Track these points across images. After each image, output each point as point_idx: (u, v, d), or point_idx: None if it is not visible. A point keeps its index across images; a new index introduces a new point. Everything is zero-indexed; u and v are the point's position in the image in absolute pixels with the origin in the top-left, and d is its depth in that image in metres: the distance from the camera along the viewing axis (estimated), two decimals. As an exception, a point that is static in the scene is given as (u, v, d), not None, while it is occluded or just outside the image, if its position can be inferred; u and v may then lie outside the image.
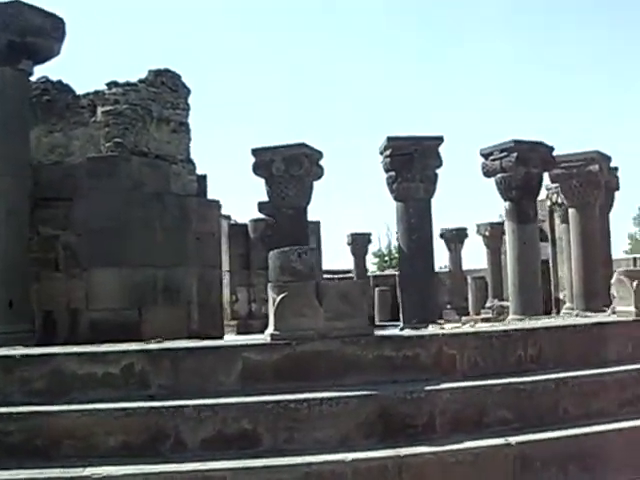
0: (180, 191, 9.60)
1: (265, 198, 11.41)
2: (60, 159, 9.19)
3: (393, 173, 10.44)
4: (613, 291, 6.11)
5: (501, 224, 17.37)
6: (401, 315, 10.52)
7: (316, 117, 71.02)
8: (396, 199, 10.54)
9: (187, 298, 9.42)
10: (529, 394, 5.14)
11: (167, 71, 9.70)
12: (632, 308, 5.90)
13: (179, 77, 9.82)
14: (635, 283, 5.92)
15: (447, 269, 22.56)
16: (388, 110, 67.07)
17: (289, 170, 10.29)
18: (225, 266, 15.92)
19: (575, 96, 71.61)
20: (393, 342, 5.21)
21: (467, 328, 5.82)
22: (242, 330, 15.14)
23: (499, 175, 10.28)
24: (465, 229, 21.58)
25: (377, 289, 19.90)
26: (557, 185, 11.88)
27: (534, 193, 10.43)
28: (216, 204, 10.18)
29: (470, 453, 4.70)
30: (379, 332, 5.61)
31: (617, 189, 13.39)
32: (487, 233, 18.47)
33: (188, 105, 9.92)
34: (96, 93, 9.35)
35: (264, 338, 5.19)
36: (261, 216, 16.05)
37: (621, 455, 5.02)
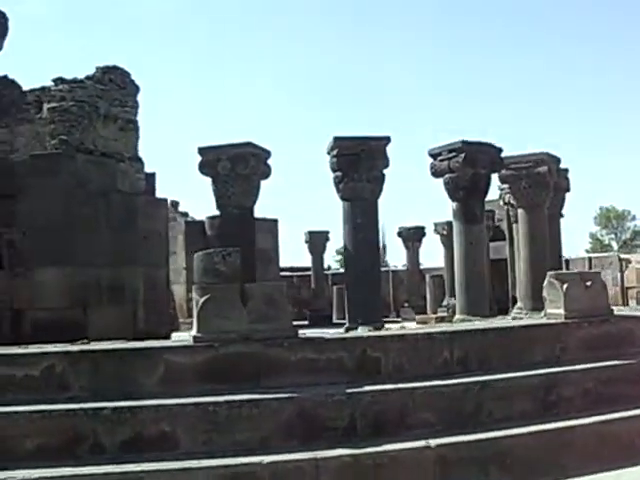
0: (127, 189, 9.51)
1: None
2: (4, 156, 9.06)
3: (340, 173, 10.45)
4: (544, 294, 6.16)
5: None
6: (346, 314, 10.55)
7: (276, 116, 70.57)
8: (342, 199, 10.56)
9: (133, 297, 9.34)
10: (452, 397, 5.18)
11: (115, 68, 9.60)
12: (561, 311, 5.96)
13: (128, 74, 9.73)
14: (565, 286, 5.99)
15: (405, 267, 22.75)
16: (349, 108, 67.05)
17: (235, 169, 10.26)
18: (182, 263, 15.92)
19: (529, 96, 72.31)
20: (316, 344, 5.22)
21: (392, 331, 5.84)
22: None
23: (447, 175, 10.32)
24: (423, 228, 21.81)
25: (335, 287, 19.93)
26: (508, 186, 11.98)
27: (481, 194, 10.49)
28: (164, 202, 10.12)
29: (388, 456, 4.72)
30: (308, 333, 5.63)
31: (568, 190, 13.54)
32: (444, 232, 18.59)
33: (137, 103, 9.82)
34: (42, 89, 9.22)
35: (187, 340, 5.16)
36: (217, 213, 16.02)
37: (541, 456, 5.08)
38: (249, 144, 10.32)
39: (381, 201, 10.43)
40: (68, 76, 9.37)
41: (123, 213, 9.31)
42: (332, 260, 36.15)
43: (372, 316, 9.37)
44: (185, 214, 16.91)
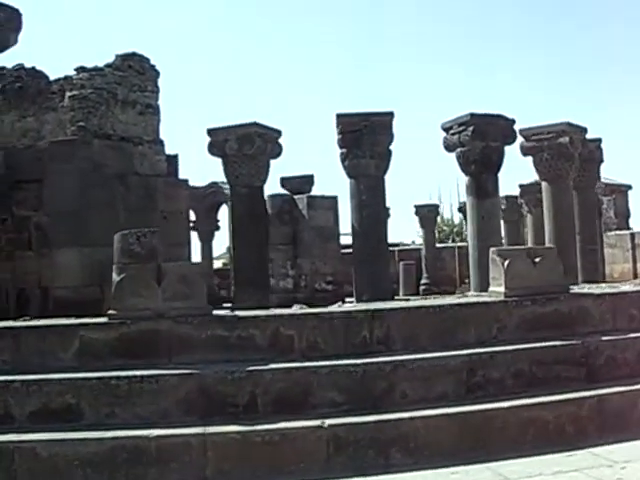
0: (147, 171, 9.91)
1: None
2: (32, 143, 9.68)
3: (344, 150, 10.37)
4: (490, 271, 5.93)
5: (516, 197, 16.85)
6: (354, 291, 10.50)
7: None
8: (348, 175, 10.48)
9: (153, 275, 9.73)
10: (361, 377, 5.11)
11: (134, 55, 9.99)
12: (502, 289, 5.73)
13: (147, 60, 10.09)
14: (507, 262, 5.74)
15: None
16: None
17: (242, 149, 10.41)
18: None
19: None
20: (226, 322, 5.31)
21: (309, 310, 5.81)
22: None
23: (458, 149, 10.01)
24: (437, 206, 21.49)
25: (401, 263, 19.73)
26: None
27: (494, 167, 10.08)
28: (184, 183, 10.44)
29: (279, 434, 4.75)
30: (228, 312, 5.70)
31: (601, 161, 12.71)
32: (503, 206, 17.92)
33: (157, 87, 10.18)
34: (65, 78, 9.75)
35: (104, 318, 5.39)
36: (279, 192, 16.28)
37: (452, 441, 4.94)
38: (254, 124, 10.44)
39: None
40: (90, 64, 9.84)
41: (142, 194, 9.72)
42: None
43: (379, 292, 9.29)
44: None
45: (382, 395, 5.14)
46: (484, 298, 5.88)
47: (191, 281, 5.34)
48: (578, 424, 5.18)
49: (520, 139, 10.88)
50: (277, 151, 10.90)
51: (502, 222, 18.64)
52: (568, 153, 10.75)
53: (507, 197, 17.03)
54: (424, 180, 60.83)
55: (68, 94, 9.57)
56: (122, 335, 5.23)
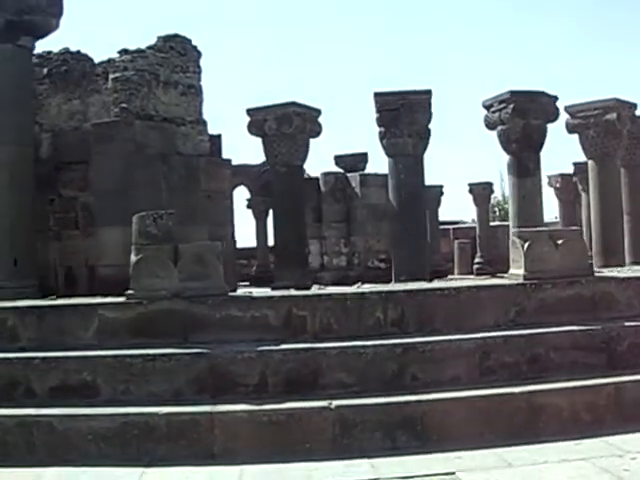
0: (190, 151, 10.05)
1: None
2: (78, 125, 9.93)
3: (383, 129, 10.24)
4: (510, 253, 5.82)
5: (571, 175, 16.36)
6: (393, 271, 10.43)
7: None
8: (387, 155, 10.36)
9: (196, 254, 9.90)
10: (371, 359, 5.12)
11: (176, 36, 10.10)
12: (521, 271, 5.62)
13: (189, 41, 10.20)
14: (527, 245, 5.63)
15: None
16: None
17: (280, 129, 10.42)
18: (298, 219, 16.36)
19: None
20: (240, 303, 5.38)
21: (321, 290, 5.82)
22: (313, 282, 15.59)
23: (499, 128, 9.77)
24: (491, 184, 21.11)
25: (456, 242, 19.47)
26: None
27: (535, 146, 9.80)
28: (227, 163, 10.54)
29: (286, 414, 4.82)
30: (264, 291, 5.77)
31: None
32: (558, 185, 17.42)
33: (199, 68, 10.28)
34: (109, 61, 9.94)
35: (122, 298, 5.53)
36: (332, 169, 16.30)
37: (461, 425, 4.91)
38: (293, 104, 10.44)
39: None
40: (133, 46, 10.01)
41: (183, 174, 9.87)
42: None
43: (417, 272, 9.20)
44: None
45: (392, 378, 5.14)
46: (502, 281, 5.79)
47: (207, 261, 5.44)
48: (595, 412, 5.07)
49: (566, 116, 10.56)
50: (317, 130, 10.91)
51: (557, 201, 18.26)
52: (615, 130, 10.39)
53: (562, 175, 16.57)
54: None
55: (111, 76, 9.74)
56: (139, 315, 5.38)
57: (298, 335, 5.34)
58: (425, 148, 10.34)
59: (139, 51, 9.85)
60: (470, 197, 21.09)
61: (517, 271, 5.69)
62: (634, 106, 10.93)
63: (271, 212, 12.37)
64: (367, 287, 6.14)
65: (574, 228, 6.72)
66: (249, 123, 10.87)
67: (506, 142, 9.84)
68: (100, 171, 9.45)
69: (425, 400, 4.92)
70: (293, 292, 5.62)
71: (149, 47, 9.94)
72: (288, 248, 10.37)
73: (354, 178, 15.85)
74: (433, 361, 5.18)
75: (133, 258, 5.50)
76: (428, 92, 10.14)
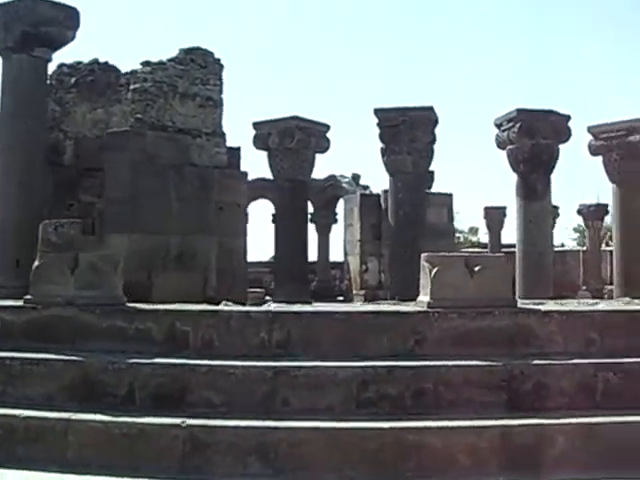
0: (206, 163, 10.13)
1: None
2: (101, 133, 10.28)
3: (384, 146, 9.83)
4: (421, 279, 5.41)
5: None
6: (388, 293, 9.96)
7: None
8: (388, 172, 9.92)
9: (204, 264, 9.97)
10: (241, 379, 4.92)
11: (197, 49, 10.23)
12: (427, 298, 5.22)
13: (211, 54, 10.30)
14: (434, 270, 5.22)
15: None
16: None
17: (283, 143, 10.25)
18: (357, 235, 16.17)
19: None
20: (126, 314, 5.33)
21: (209, 306, 5.63)
22: (369, 299, 15.30)
23: (508, 147, 9.12)
24: (505, 208, 20.34)
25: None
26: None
27: (545, 167, 9.05)
28: (243, 175, 10.53)
29: (137, 428, 4.71)
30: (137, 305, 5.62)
31: None
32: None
33: (220, 80, 10.34)
34: (132, 72, 10.24)
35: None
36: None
37: (319, 458, 4.62)
38: (295, 118, 10.24)
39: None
40: (157, 59, 10.25)
41: (196, 185, 9.96)
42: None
43: (409, 292, 8.74)
44: (366, 187, 17.08)
45: (262, 401, 4.91)
46: (402, 307, 5.39)
47: (102, 271, 5.44)
48: (476, 456, 4.61)
49: (589, 137, 9.77)
50: (324, 145, 10.69)
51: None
52: (639, 153, 9.48)
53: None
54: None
55: (131, 87, 10.03)
56: (32, 319, 5.46)
57: (181, 350, 5.23)
58: (427, 167, 9.89)
59: (160, 63, 10.05)
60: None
61: (424, 298, 5.29)
62: (661, 127, 9.96)
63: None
64: (269, 306, 5.92)
65: (498, 255, 6.18)
66: (254, 137, 10.83)
67: (514, 162, 9.23)
68: (110, 179, 9.69)
69: (283, 427, 4.65)
70: (177, 306, 5.49)
71: (170, 59, 10.13)
72: (288, 263, 10.22)
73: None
74: (307, 387, 4.90)
75: (35, 264, 5.58)
76: (429, 109, 9.69)
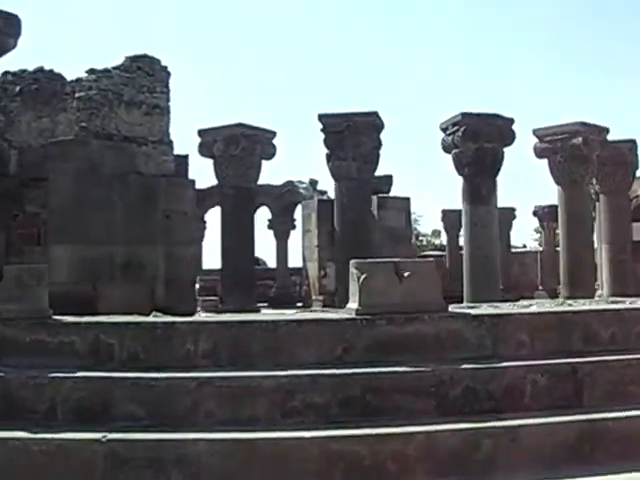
0: (152, 171, 10.01)
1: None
2: (47, 142, 10.11)
3: (329, 151, 9.81)
4: (350, 286, 5.36)
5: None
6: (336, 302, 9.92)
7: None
8: (333, 177, 9.91)
9: (152, 274, 9.84)
10: (164, 392, 4.83)
11: (144, 57, 10.12)
12: (356, 305, 5.17)
13: (158, 62, 10.20)
14: (362, 277, 5.17)
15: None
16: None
17: (228, 150, 10.18)
18: (315, 241, 16.11)
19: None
20: (50, 327, 5.21)
21: (132, 318, 5.53)
22: (327, 304, 15.23)
23: (454, 151, 9.14)
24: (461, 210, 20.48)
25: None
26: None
27: (490, 170, 9.08)
28: (190, 183, 10.43)
29: (55, 444, 4.59)
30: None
31: (637, 165, 10.95)
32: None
33: (167, 88, 10.24)
34: (77, 80, 10.09)
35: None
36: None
37: (238, 471, 4.54)
38: (239, 125, 10.17)
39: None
40: (102, 66, 10.12)
41: (141, 194, 9.83)
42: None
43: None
44: (323, 192, 17.02)
45: (186, 413, 4.82)
46: (330, 315, 5.34)
47: (25, 284, 5.31)
48: (403, 463, 4.56)
49: (534, 140, 9.80)
50: (271, 152, 10.63)
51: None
52: (582, 155, 9.52)
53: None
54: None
55: (76, 95, 9.89)
56: (-45, 334, 5.29)
57: (106, 363, 5.11)
58: (372, 172, 9.86)
59: (105, 71, 9.93)
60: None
61: (352, 305, 5.24)
62: (605, 130, 9.97)
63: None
64: (201, 317, 5.84)
65: (427, 260, 6.16)
66: (200, 144, 10.74)
67: (459, 166, 9.24)
68: (54, 189, 9.54)
69: (204, 439, 4.57)
70: (102, 318, 5.39)
71: (115, 67, 10.01)
72: (235, 271, 10.12)
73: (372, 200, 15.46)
74: (232, 398, 4.82)
75: (-44, 278, 5.45)
76: (374, 114, 9.67)
